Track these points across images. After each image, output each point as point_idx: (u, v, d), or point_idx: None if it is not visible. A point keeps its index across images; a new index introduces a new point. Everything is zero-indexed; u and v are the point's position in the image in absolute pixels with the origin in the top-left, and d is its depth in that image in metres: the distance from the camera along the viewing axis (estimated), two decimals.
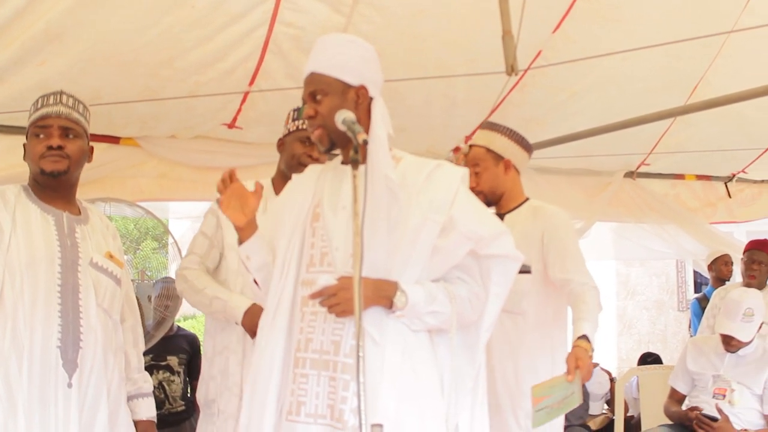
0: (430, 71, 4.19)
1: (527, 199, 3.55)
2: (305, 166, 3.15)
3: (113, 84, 3.84)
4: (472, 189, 3.41)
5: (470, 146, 3.55)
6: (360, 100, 2.45)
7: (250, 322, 3.11)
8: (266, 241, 2.55)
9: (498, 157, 3.48)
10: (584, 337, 3.07)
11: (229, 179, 2.42)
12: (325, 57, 2.47)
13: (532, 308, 3.39)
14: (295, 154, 3.33)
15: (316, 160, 3.23)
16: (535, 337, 3.40)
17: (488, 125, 3.60)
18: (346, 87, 2.44)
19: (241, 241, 2.51)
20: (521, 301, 3.34)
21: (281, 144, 3.46)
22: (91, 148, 2.98)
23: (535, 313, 3.40)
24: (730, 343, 4.46)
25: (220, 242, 3.38)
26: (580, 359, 2.98)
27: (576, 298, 3.23)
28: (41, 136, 2.81)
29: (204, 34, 3.69)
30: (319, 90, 2.44)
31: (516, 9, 3.59)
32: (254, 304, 3.14)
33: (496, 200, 3.51)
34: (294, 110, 3.43)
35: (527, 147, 3.55)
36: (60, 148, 2.78)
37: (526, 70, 4.30)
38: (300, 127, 3.34)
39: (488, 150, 3.48)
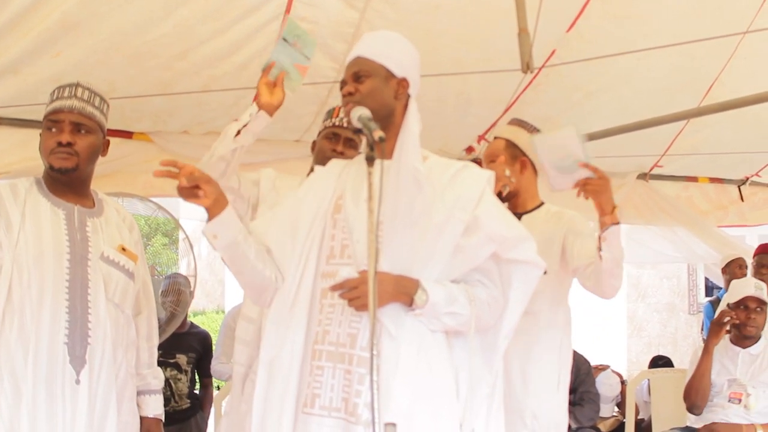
0: (444, 68, 4.16)
1: (543, 203, 3.52)
2: (327, 159, 3.16)
3: (127, 77, 3.85)
4: None
5: (495, 137, 3.51)
6: (400, 91, 2.45)
7: (265, 101, 2.97)
8: (238, 218, 2.43)
9: (516, 155, 3.44)
10: None
11: (175, 168, 2.26)
12: (373, 44, 2.50)
13: (545, 309, 3.36)
14: (322, 149, 3.33)
15: (341, 154, 3.23)
16: (544, 338, 3.38)
17: (517, 121, 3.54)
18: (389, 74, 2.44)
19: (208, 219, 2.37)
20: (536, 302, 3.31)
21: (313, 146, 3.45)
22: (107, 142, 2.93)
23: (546, 314, 3.38)
24: (745, 328, 4.44)
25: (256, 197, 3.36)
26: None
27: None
28: (53, 130, 2.77)
29: (217, 26, 3.69)
30: (363, 71, 2.44)
31: (531, 7, 3.58)
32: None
33: (509, 199, 3.47)
34: (327, 112, 3.44)
35: None
36: (69, 144, 2.75)
37: (540, 69, 4.27)
38: (327, 125, 3.35)
39: (508, 144, 3.43)
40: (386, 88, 2.43)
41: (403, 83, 2.46)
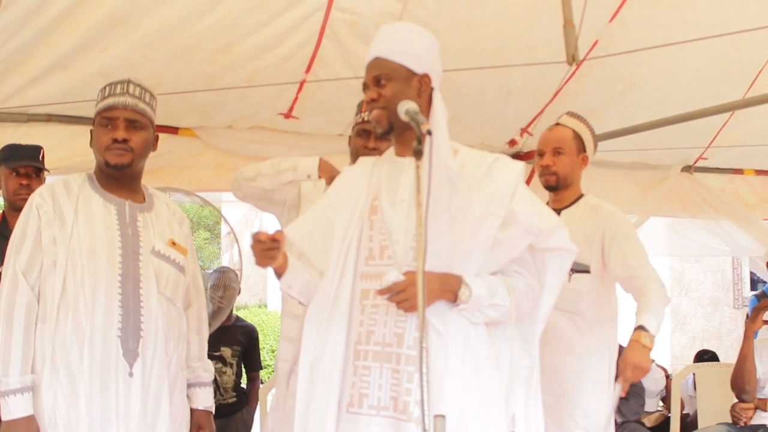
0: (486, 60, 4.17)
1: (582, 196, 3.52)
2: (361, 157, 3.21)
3: (173, 71, 3.90)
4: (547, 167, 3.41)
5: (555, 124, 3.51)
6: (423, 88, 2.44)
7: (328, 169, 3.20)
8: (299, 263, 2.56)
9: (581, 148, 3.46)
10: (640, 327, 3.12)
11: (269, 241, 2.40)
12: (391, 42, 2.47)
13: (589, 308, 3.38)
14: (356, 147, 3.36)
15: (374, 150, 3.25)
16: (591, 337, 3.40)
17: (576, 115, 3.55)
18: (410, 74, 2.43)
19: (278, 276, 2.53)
20: (580, 301, 3.34)
21: (350, 141, 3.49)
22: (156, 137, 2.97)
23: (591, 312, 3.39)
24: None
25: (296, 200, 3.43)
26: (625, 358, 3.11)
27: (637, 292, 3.26)
28: (108, 126, 2.80)
29: (262, 19, 3.73)
30: (384, 75, 2.43)
31: None
32: (321, 159, 3.23)
33: (563, 188, 3.47)
34: (357, 105, 3.45)
35: (594, 151, 3.56)
36: (125, 141, 2.78)
37: (582, 60, 4.25)
38: (357, 121, 3.37)
39: (575, 136, 3.45)
40: (408, 89, 2.43)
41: (424, 79, 2.44)
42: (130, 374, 2.71)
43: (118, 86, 2.83)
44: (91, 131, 2.90)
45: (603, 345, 3.42)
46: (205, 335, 3.15)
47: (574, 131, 3.46)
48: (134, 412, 2.71)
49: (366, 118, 3.29)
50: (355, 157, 3.32)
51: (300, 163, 3.25)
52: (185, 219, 3.11)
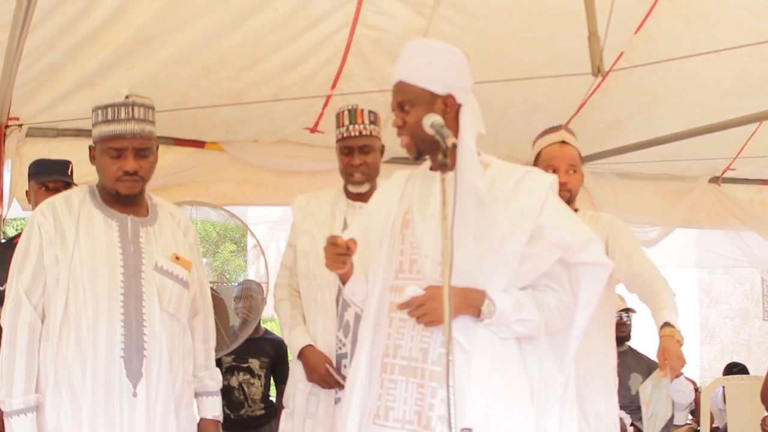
0: (510, 73, 4.16)
1: (577, 209, 3.53)
2: (350, 175, 3.30)
3: (199, 87, 3.94)
4: (564, 185, 3.42)
5: (562, 142, 3.51)
6: (448, 109, 2.43)
7: (305, 362, 3.32)
8: (363, 272, 2.58)
9: (581, 164, 3.48)
10: (666, 324, 3.09)
11: (346, 249, 2.39)
12: (412, 65, 2.46)
13: (596, 310, 3.38)
14: (342, 165, 3.36)
15: (361, 165, 3.28)
16: (599, 339, 3.39)
17: (572, 132, 3.52)
18: (433, 97, 2.41)
19: (343, 282, 2.57)
20: None
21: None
22: (156, 146, 2.85)
23: (598, 315, 3.39)
24: None
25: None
26: (667, 350, 3.01)
27: (647, 290, 3.27)
28: (116, 156, 2.71)
29: (287, 36, 3.75)
30: (407, 101, 2.43)
31: (600, 9, 3.55)
32: (307, 346, 3.30)
33: (569, 204, 3.49)
34: (335, 116, 3.43)
35: None
36: (135, 172, 2.73)
37: (608, 72, 4.22)
38: (338, 137, 3.36)
39: (579, 154, 3.47)
40: (432, 112, 2.38)
41: (448, 100, 2.42)
42: (134, 395, 2.68)
43: (122, 110, 2.70)
44: (90, 147, 2.82)
45: (609, 346, 3.42)
46: (212, 344, 3.10)
47: (578, 150, 3.48)
48: None
49: (346, 134, 3.31)
50: (344, 174, 3.35)
51: (291, 340, 3.39)
52: (191, 227, 3.06)
